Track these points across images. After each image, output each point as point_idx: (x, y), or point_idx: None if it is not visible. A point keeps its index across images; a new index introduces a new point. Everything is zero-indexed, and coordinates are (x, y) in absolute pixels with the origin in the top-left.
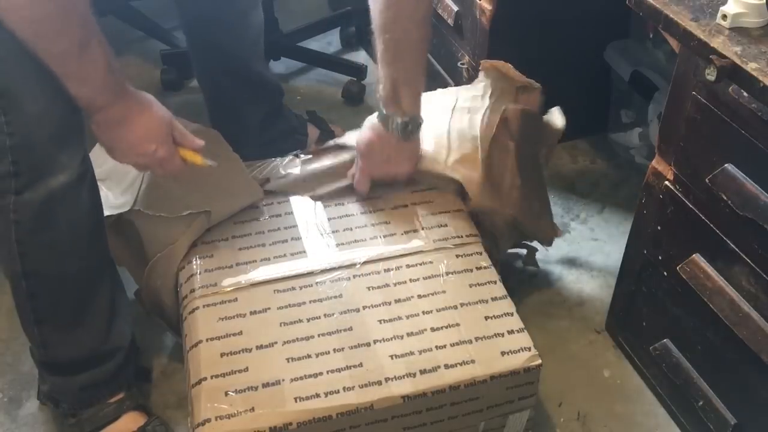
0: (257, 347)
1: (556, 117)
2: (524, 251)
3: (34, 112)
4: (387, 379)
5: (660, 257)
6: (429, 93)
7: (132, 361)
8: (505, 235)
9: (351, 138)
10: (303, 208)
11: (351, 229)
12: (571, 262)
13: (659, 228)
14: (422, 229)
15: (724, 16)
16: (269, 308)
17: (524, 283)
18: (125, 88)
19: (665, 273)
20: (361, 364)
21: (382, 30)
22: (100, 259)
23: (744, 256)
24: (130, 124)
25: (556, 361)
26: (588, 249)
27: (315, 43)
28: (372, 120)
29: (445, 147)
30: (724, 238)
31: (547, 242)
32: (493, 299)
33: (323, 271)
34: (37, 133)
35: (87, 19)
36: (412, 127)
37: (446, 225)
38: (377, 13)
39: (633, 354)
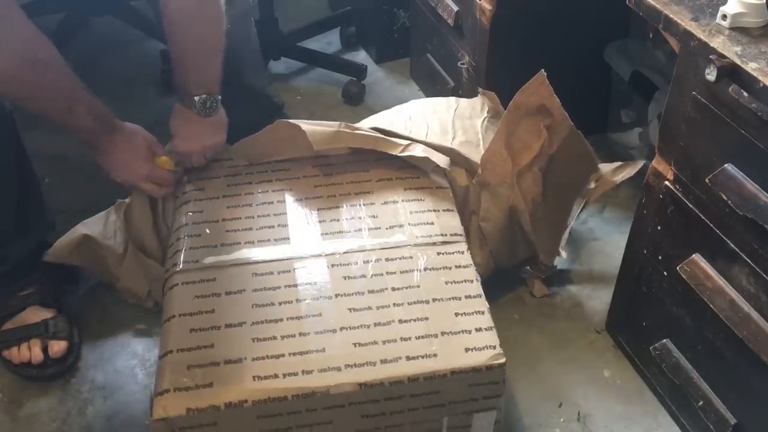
0: (226, 326)
1: (616, 170)
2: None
3: None
4: (347, 366)
5: (660, 257)
6: (430, 98)
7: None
8: (502, 235)
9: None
10: (295, 197)
11: (338, 220)
12: (571, 262)
13: (659, 228)
14: (408, 225)
15: (724, 16)
16: (244, 290)
17: (524, 284)
18: (111, 125)
19: (665, 273)
20: (324, 350)
21: (172, 35)
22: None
23: (744, 256)
24: (117, 150)
25: (556, 361)
26: (588, 249)
27: (315, 43)
28: (176, 104)
29: (450, 133)
30: (724, 238)
31: (547, 258)
32: (467, 297)
33: (303, 258)
34: None
35: (70, 87)
36: (210, 102)
37: (432, 223)
38: (166, 21)
39: (633, 354)
